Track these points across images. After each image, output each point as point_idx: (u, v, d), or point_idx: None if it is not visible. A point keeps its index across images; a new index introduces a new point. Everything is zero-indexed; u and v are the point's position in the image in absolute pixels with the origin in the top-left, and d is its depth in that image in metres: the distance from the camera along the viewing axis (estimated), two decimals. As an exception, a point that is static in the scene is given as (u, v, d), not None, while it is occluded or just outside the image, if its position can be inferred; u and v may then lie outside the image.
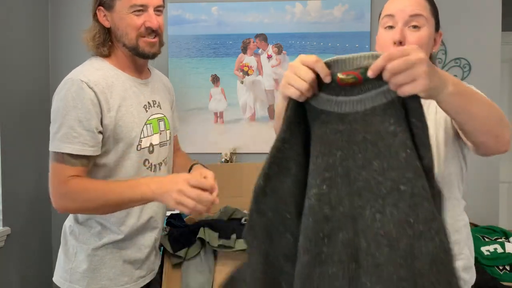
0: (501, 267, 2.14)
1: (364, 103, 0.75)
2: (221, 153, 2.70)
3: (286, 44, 2.75)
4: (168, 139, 1.44)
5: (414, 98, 0.72)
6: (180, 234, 1.70)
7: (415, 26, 1.07)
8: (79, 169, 1.24)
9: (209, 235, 1.64)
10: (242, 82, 2.77)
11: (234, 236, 1.62)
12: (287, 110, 0.80)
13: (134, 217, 1.35)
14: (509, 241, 2.23)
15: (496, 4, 2.63)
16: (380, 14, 1.16)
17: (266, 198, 0.81)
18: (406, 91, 0.70)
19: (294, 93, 0.78)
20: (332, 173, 0.77)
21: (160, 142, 1.39)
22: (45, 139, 2.62)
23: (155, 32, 1.31)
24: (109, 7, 1.29)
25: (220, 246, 1.62)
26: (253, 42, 2.77)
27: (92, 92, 1.24)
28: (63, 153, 1.22)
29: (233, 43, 2.78)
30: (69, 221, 1.40)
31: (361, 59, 0.75)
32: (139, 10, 1.28)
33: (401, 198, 0.72)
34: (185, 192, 1.12)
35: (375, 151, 0.74)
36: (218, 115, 2.80)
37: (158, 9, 1.32)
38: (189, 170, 1.40)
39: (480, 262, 2.14)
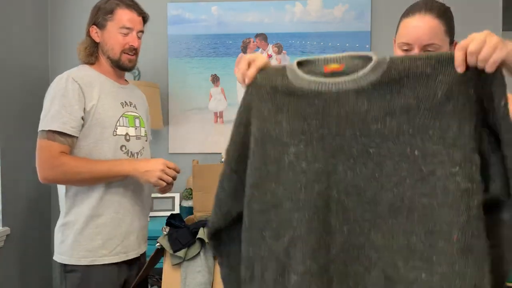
0: (501, 267, 2.14)
1: (338, 86, 0.90)
2: (221, 153, 2.70)
3: (286, 44, 2.75)
4: (142, 135, 1.70)
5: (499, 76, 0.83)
6: (180, 234, 1.70)
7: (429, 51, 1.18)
8: (66, 147, 1.51)
9: (209, 235, 1.64)
10: (242, 82, 2.77)
11: (234, 236, 1.62)
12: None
13: (112, 199, 1.57)
14: (509, 241, 2.23)
15: (496, 4, 2.63)
16: (398, 25, 1.28)
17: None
18: (496, 57, 0.79)
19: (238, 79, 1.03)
20: (308, 135, 0.91)
21: (136, 135, 1.66)
22: (45, 139, 2.62)
23: (135, 50, 1.64)
24: (101, 26, 1.62)
25: (220, 246, 1.61)
26: (253, 42, 2.77)
27: (77, 85, 1.52)
28: (53, 131, 1.49)
29: (233, 43, 2.78)
30: (59, 201, 1.63)
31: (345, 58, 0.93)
32: (125, 33, 1.60)
33: (368, 158, 0.88)
34: (166, 171, 1.53)
35: (348, 122, 0.89)
36: (218, 115, 2.80)
37: (139, 34, 1.66)
38: None
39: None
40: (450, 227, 0.81)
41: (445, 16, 1.22)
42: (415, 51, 1.20)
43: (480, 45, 0.80)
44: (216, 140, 2.80)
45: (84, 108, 1.53)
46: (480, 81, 0.84)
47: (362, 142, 0.88)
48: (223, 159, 2.65)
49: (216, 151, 2.76)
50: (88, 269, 1.54)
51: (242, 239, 0.98)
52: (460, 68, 0.82)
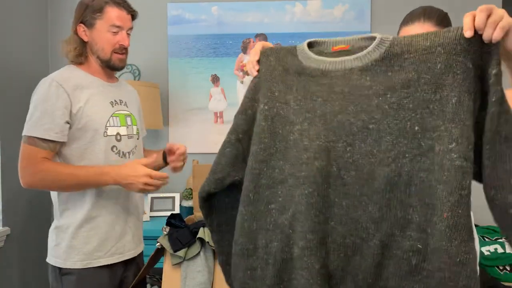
0: (501, 267, 2.15)
1: (344, 64, 0.96)
2: (221, 153, 2.70)
3: (286, 44, 2.75)
4: (134, 133, 1.67)
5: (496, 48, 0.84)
6: (180, 234, 1.70)
7: None
8: (47, 152, 1.47)
9: (209, 235, 1.64)
10: (242, 82, 2.77)
11: (234, 236, 1.62)
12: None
13: (106, 201, 1.56)
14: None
15: (496, 5, 2.63)
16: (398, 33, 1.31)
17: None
18: (505, 22, 0.81)
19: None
20: (313, 113, 0.96)
21: (127, 134, 1.63)
22: (45, 139, 2.62)
23: (125, 49, 1.61)
24: (90, 25, 1.57)
25: (220, 246, 1.61)
26: (253, 42, 2.77)
27: (61, 88, 1.49)
28: (34, 137, 1.46)
29: (233, 43, 2.78)
30: (53, 204, 1.60)
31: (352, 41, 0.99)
32: (115, 31, 1.57)
33: (368, 134, 0.91)
34: (150, 182, 1.47)
35: (350, 99, 0.93)
36: (218, 115, 2.80)
37: (129, 31, 1.62)
38: (164, 154, 1.79)
39: (480, 262, 2.14)
40: (441, 204, 0.84)
41: (444, 23, 1.25)
42: None
43: (490, 10, 0.83)
44: (216, 140, 2.80)
45: (71, 111, 1.50)
46: (479, 54, 0.85)
47: (362, 119, 0.92)
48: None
49: (216, 151, 2.75)
50: (83, 271, 1.53)
51: (244, 213, 1.02)
52: (468, 32, 0.84)
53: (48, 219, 2.74)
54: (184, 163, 1.69)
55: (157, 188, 1.52)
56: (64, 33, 2.76)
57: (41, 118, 1.47)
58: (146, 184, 1.47)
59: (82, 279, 1.53)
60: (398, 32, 1.31)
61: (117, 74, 1.74)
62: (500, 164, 0.82)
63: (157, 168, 1.77)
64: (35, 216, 2.61)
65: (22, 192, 2.46)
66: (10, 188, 2.35)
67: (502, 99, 0.82)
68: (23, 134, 1.49)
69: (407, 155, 0.88)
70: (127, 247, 1.62)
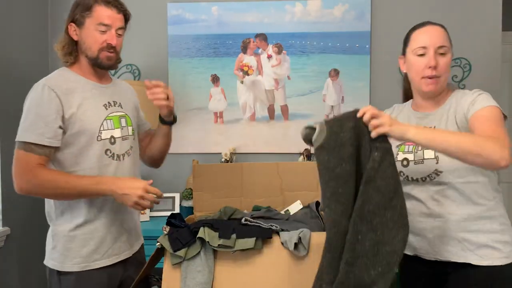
0: None
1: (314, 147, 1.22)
2: (221, 153, 2.70)
3: (286, 44, 2.75)
4: (130, 134, 1.66)
5: (383, 138, 1.20)
6: (180, 234, 1.70)
7: (442, 53, 1.45)
8: (42, 158, 1.46)
9: (209, 235, 1.64)
10: (242, 82, 2.77)
11: (234, 236, 1.62)
12: None
13: (102, 203, 1.55)
14: (509, 241, 2.22)
15: (496, 4, 2.63)
16: (407, 40, 1.52)
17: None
18: (379, 131, 1.18)
19: None
20: None
21: (122, 136, 1.61)
22: (45, 139, 2.61)
23: (113, 48, 1.57)
24: (80, 23, 1.56)
25: (220, 246, 1.61)
26: (253, 42, 2.77)
27: (53, 93, 1.47)
28: (29, 143, 1.45)
29: (233, 43, 2.78)
30: (47, 208, 1.61)
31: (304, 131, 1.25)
32: (103, 30, 1.54)
33: (339, 197, 1.18)
34: (145, 196, 1.47)
35: (320, 172, 1.22)
36: (218, 115, 2.80)
37: (119, 31, 1.58)
38: (160, 116, 1.74)
39: None
40: None
41: (446, 30, 1.49)
42: (430, 53, 1.43)
43: (378, 123, 1.18)
44: (216, 140, 2.80)
45: (63, 117, 1.48)
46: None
47: (331, 186, 1.19)
48: (223, 159, 2.65)
49: (216, 151, 2.76)
50: (81, 273, 1.53)
51: None
52: (361, 115, 1.20)
53: (48, 219, 2.74)
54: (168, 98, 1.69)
55: (150, 205, 1.50)
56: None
57: (35, 123, 1.46)
58: (140, 197, 1.45)
59: (81, 280, 1.53)
60: (408, 39, 1.51)
61: (117, 74, 1.74)
62: (366, 205, 1.17)
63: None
64: (35, 216, 2.60)
65: (22, 192, 2.46)
66: (10, 188, 2.34)
67: (373, 168, 1.17)
68: (16, 139, 1.48)
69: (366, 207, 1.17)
70: (123, 248, 1.63)
